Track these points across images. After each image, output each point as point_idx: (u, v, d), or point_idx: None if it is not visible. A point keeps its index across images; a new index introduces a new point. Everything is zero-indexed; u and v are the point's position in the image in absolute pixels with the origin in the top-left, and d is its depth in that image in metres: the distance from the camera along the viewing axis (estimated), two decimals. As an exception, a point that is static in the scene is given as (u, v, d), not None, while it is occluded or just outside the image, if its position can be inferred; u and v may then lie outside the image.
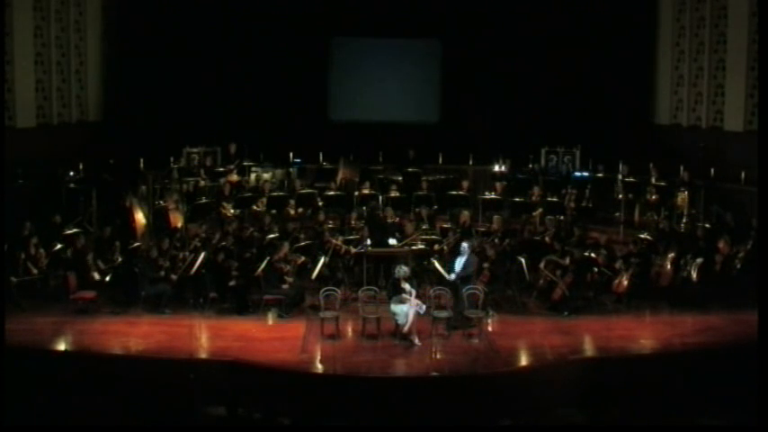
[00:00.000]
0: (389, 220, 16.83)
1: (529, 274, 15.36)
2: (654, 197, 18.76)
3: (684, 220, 17.95)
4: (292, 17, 21.97)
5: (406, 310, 13.17)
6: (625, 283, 14.94)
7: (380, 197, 18.56)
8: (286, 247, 15.17)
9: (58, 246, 15.55)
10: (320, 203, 18.25)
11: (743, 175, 18.77)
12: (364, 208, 18.05)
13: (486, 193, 19.05)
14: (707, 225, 16.92)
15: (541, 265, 15.29)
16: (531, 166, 20.67)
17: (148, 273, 14.67)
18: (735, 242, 15.48)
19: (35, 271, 14.90)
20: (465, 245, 14.34)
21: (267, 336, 13.76)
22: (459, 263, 14.12)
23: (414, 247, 15.69)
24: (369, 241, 15.58)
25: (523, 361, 13.06)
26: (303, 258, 15.50)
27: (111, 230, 16.28)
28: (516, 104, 21.92)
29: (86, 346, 13.19)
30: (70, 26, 20.73)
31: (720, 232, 16.04)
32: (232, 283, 14.73)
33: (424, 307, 13.37)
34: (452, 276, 14.14)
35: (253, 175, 19.98)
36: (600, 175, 19.81)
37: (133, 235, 16.54)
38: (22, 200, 17.31)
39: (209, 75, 21.83)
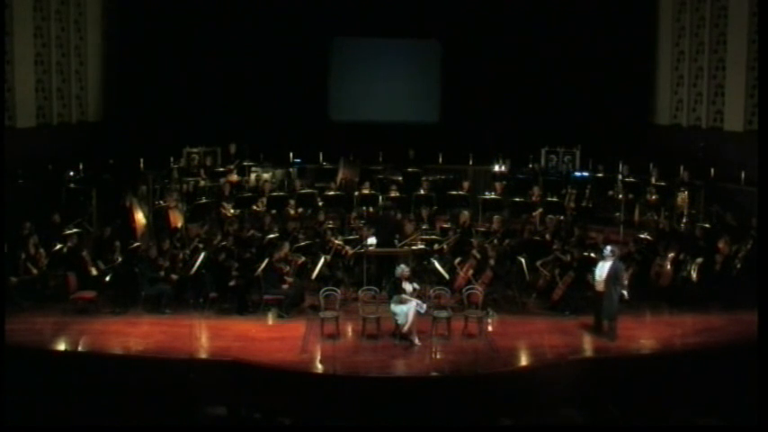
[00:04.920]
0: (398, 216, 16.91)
1: (529, 274, 15.37)
2: (654, 197, 18.76)
3: (684, 220, 17.95)
4: (293, 17, 22.00)
5: (406, 310, 13.16)
6: (625, 283, 14.91)
7: (381, 197, 18.58)
8: (286, 247, 15.17)
9: (58, 246, 15.56)
10: (320, 203, 18.25)
11: (743, 175, 18.78)
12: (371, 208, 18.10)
13: (486, 193, 19.05)
14: (707, 225, 16.91)
15: (538, 263, 15.31)
16: (531, 166, 20.68)
17: (148, 273, 14.67)
18: (735, 242, 15.47)
19: (35, 271, 14.90)
20: (608, 248, 13.79)
21: (267, 336, 13.76)
22: (604, 268, 13.60)
23: (414, 247, 15.70)
24: (372, 240, 15.57)
25: (523, 361, 13.05)
26: (303, 258, 15.50)
27: (111, 230, 16.28)
28: (516, 104, 21.92)
29: (86, 346, 13.21)
30: (70, 26, 20.74)
31: (720, 232, 16.03)
32: (232, 283, 14.73)
33: (424, 306, 13.38)
34: (620, 291, 13.55)
35: (253, 175, 19.99)
36: (600, 175, 19.81)
37: (133, 235, 16.55)
38: (22, 200, 17.30)
39: (210, 75, 21.85)
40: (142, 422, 11.43)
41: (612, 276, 13.53)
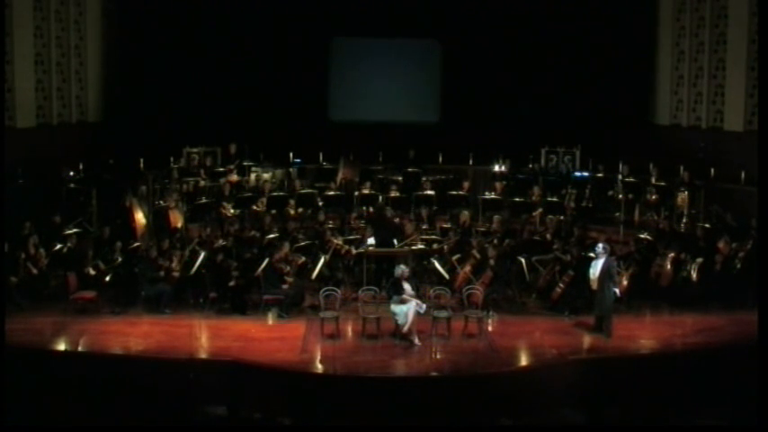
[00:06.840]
0: (396, 220, 16.88)
1: (529, 274, 15.37)
2: (654, 197, 18.76)
3: (684, 220, 17.95)
4: (292, 17, 21.98)
5: (406, 310, 13.17)
6: (625, 283, 14.93)
7: (380, 197, 18.57)
8: (286, 247, 15.17)
9: (58, 246, 15.56)
10: (320, 203, 18.25)
11: (743, 175, 18.78)
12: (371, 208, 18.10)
13: (486, 193, 19.04)
14: (707, 225, 16.91)
15: (534, 258, 15.32)
16: (531, 166, 20.67)
17: (148, 273, 14.68)
18: (735, 242, 15.47)
19: (35, 271, 14.90)
20: (600, 246, 13.96)
21: (267, 336, 13.77)
22: (597, 266, 13.74)
23: (414, 247, 15.70)
24: (371, 240, 15.57)
25: (523, 361, 13.05)
26: (303, 258, 15.50)
27: (111, 230, 16.28)
28: (516, 104, 21.91)
29: (86, 346, 13.21)
30: (70, 26, 20.72)
31: (720, 232, 16.03)
32: (232, 283, 14.73)
33: (424, 306, 13.38)
34: (614, 288, 13.68)
35: (253, 175, 19.99)
36: (600, 175, 19.81)
37: (133, 235, 16.55)
38: (22, 200, 17.30)
39: (209, 75, 21.83)
40: (142, 422, 11.46)
41: (605, 273, 13.60)
